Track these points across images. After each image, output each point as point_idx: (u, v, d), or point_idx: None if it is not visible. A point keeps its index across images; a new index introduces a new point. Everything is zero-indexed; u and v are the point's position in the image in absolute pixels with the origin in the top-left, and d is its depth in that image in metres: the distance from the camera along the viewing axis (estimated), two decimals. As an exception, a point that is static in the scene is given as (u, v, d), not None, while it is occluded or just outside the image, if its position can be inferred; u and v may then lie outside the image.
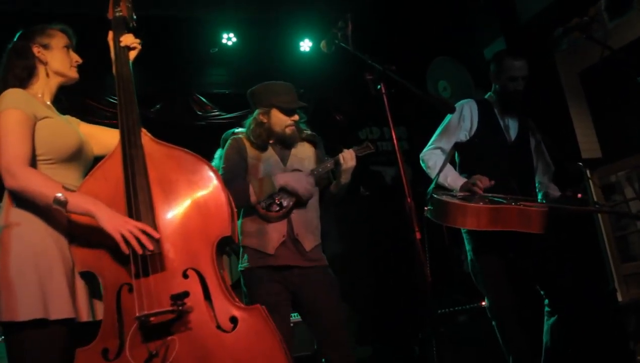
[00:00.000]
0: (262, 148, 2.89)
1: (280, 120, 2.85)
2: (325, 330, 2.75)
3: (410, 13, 5.59)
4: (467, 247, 3.19)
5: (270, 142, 2.89)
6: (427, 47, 5.65)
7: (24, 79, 2.15)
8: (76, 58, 2.28)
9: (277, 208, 2.76)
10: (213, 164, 3.52)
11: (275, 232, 2.76)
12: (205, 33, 5.50)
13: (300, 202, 2.79)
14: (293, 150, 2.93)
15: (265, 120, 2.86)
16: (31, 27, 2.24)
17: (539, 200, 3.27)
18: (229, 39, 5.54)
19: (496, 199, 2.89)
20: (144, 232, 1.90)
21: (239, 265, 2.85)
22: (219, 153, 3.43)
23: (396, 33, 5.79)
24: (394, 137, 2.15)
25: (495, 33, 5.22)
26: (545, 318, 3.13)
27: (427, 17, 5.60)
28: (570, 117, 5.22)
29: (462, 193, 2.99)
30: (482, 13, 5.39)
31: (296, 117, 2.86)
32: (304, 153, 2.96)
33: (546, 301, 3.12)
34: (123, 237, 1.88)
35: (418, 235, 2.00)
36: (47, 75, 2.20)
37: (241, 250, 2.86)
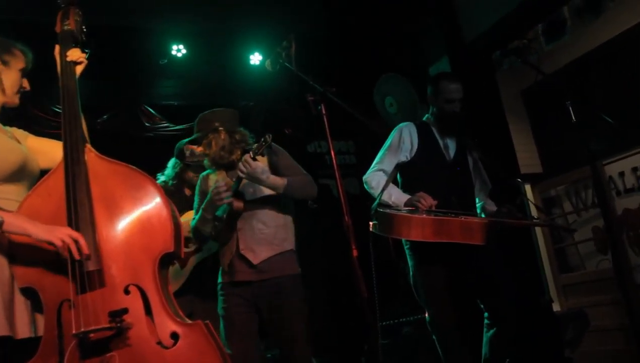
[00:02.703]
0: (215, 173, 3.01)
1: None
2: (280, 342, 2.86)
3: (359, 30, 5.69)
4: (410, 262, 3.25)
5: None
6: (376, 63, 5.75)
7: None
8: (26, 85, 2.27)
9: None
10: (166, 172, 3.55)
11: (227, 250, 2.86)
12: (154, 44, 5.43)
13: (234, 213, 2.82)
14: None
15: None
16: None
17: (478, 214, 3.39)
18: (178, 50, 5.49)
19: (439, 213, 2.98)
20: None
21: None
22: (171, 162, 3.47)
23: (346, 49, 5.88)
24: (332, 156, 2.20)
25: (440, 52, 5.37)
26: (485, 330, 3.20)
27: (376, 34, 5.71)
28: (510, 134, 5.41)
29: (406, 208, 3.07)
30: (428, 32, 5.54)
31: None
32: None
33: (486, 314, 3.20)
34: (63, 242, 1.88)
35: (355, 253, 2.06)
36: None
37: None
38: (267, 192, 2.88)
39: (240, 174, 2.75)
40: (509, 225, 3.17)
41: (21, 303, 1.99)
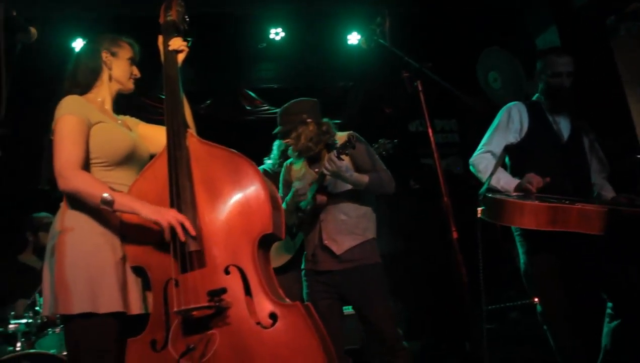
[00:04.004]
0: (299, 166, 3.08)
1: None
2: (370, 326, 2.88)
3: (459, 2, 5.48)
4: (520, 249, 3.11)
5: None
6: (477, 37, 5.52)
7: (87, 85, 2.28)
8: (136, 72, 2.40)
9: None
10: (272, 155, 3.63)
11: (311, 240, 2.98)
12: (253, 28, 5.56)
13: (317, 206, 2.90)
14: None
15: None
16: (102, 34, 2.39)
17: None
18: (276, 33, 5.59)
19: (552, 199, 2.80)
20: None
21: None
22: (276, 143, 3.55)
23: (446, 23, 5.69)
24: (430, 134, 2.12)
25: (547, 21, 5.05)
26: (607, 320, 3.01)
27: (477, 6, 5.48)
28: (629, 108, 5.01)
29: (516, 194, 2.92)
30: (533, 0, 5.23)
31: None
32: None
33: (609, 304, 3.00)
34: (169, 224, 1.98)
35: (455, 234, 1.97)
36: (110, 80, 2.33)
37: None
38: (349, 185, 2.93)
39: (325, 172, 2.81)
40: (631, 214, 2.91)
41: (133, 282, 2.12)
